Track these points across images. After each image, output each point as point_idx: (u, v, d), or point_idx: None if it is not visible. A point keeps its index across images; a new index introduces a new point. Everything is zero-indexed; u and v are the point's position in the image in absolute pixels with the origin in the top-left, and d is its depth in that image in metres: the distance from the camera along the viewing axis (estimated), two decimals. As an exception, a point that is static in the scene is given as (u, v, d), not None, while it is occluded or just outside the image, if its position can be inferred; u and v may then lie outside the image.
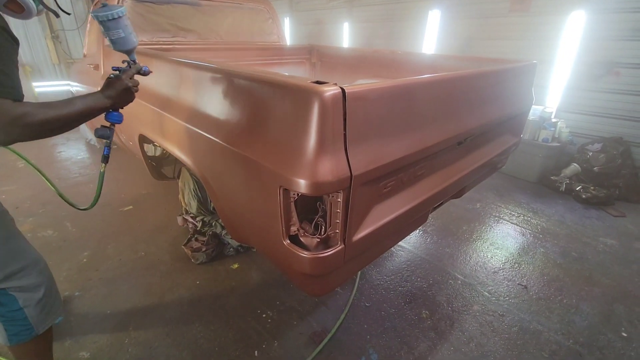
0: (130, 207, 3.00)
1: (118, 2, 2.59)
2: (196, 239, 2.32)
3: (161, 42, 2.89)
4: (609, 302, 2.05)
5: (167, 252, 2.40)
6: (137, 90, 1.25)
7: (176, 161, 2.60)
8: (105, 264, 2.26)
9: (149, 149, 2.53)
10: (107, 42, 1.28)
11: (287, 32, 7.24)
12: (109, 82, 1.17)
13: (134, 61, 1.33)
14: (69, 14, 1.40)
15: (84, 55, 3.54)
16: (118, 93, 1.16)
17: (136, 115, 2.06)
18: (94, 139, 4.48)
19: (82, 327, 1.77)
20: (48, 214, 2.84)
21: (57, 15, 1.24)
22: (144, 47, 2.63)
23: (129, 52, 1.30)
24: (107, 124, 1.26)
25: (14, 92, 0.90)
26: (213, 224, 2.36)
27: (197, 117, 1.42)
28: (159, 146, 2.46)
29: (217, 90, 1.32)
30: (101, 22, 1.18)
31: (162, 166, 2.66)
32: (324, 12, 6.57)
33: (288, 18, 7.31)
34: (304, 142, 0.96)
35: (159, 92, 1.77)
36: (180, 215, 2.54)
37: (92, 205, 1.47)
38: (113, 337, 1.72)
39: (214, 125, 1.31)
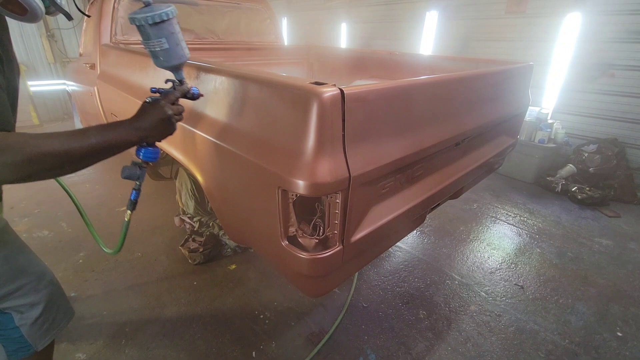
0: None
1: (114, 3, 2.56)
2: (193, 240, 2.31)
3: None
4: (604, 302, 2.07)
5: (164, 252, 2.39)
6: (181, 119, 0.97)
7: (173, 161, 2.59)
8: (101, 264, 2.24)
9: (146, 149, 2.52)
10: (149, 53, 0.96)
11: (285, 32, 7.23)
12: (144, 109, 0.90)
13: (181, 81, 1.01)
14: (88, 16, 1.32)
15: (80, 55, 3.51)
16: (154, 124, 0.89)
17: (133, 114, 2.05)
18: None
19: (79, 329, 1.76)
20: (43, 214, 2.82)
21: (70, 18, 1.02)
22: (140, 47, 2.62)
23: (174, 69, 0.99)
24: (138, 160, 0.98)
25: None
26: (210, 224, 2.35)
27: (195, 118, 1.41)
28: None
29: (215, 91, 1.32)
30: (140, 28, 0.89)
31: (159, 166, 2.64)
32: (322, 13, 6.57)
33: (286, 18, 7.31)
34: (303, 143, 0.96)
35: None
36: (177, 216, 2.53)
37: (117, 250, 1.33)
38: (109, 338, 1.71)
39: (212, 126, 1.31)
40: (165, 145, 1.72)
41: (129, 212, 1.18)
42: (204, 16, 3.21)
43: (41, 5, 0.86)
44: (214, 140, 1.27)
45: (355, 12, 6.00)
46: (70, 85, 3.88)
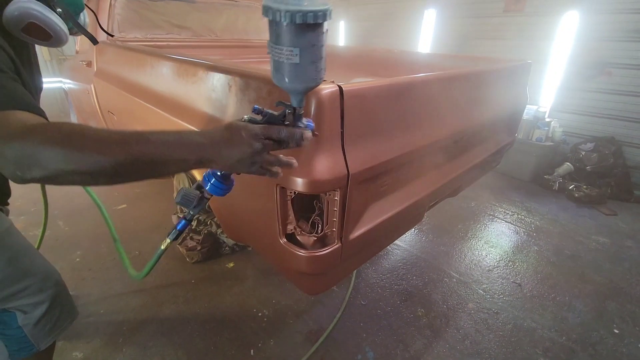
0: (124, 205, 2.97)
1: (110, 3, 2.53)
2: (191, 238, 2.30)
3: (155, 39, 2.86)
4: (601, 300, 2.08)
5: (162, 251, 2.37)
6: (275, 148, 0.68)
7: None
8: (98, 263, 2.23)
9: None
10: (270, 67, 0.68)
11: (283, 30, 7.20)
12: (231, 128, 0.64)
13: (296, 110, 0.70)
14: (112, 35, 1.25)
15: (77, 52, 3.49)
16: (233, 153, 0.63)
17: (130, 113, 2.04)
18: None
19: (75, 327, 1.74)
20: (40, 213, 2.79)
21: (95, 42, 0.99)
22: (138, 44, 2.60)
23: (295, 93, 0.68)
24: (202, 187, 0.82)
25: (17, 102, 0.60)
26: (208, 222, 2.34)
27: (194, 115, 1.40)
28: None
29: (213, 88, 1.31)
30: (274, 22, 0.59)
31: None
32: (320, 11, 6.55)
33: (283, 16, 7.28)
34: (301, 140, 0.95)
35: (153, 90, 1.75)
36: (175, 214, 2.52)
37: (143, 275, 1.23)
38: (107, 337, 1.70)
39: (209, 124, 1.30)
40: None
41: (168, 240, 0.98)
42: (202, 14, 3.20)
43: (65, 29, 0.82)
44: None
45: (353, 10, 5.99)
46: (67, 83, 3.86)
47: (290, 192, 1.04)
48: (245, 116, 0.70)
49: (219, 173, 0.79)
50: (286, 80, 0.65)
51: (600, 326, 1.88)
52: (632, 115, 3.52)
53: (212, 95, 1.32)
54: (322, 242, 1.12)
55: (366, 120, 1.07)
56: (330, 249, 1.09)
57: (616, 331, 1.86)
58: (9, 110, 0.57)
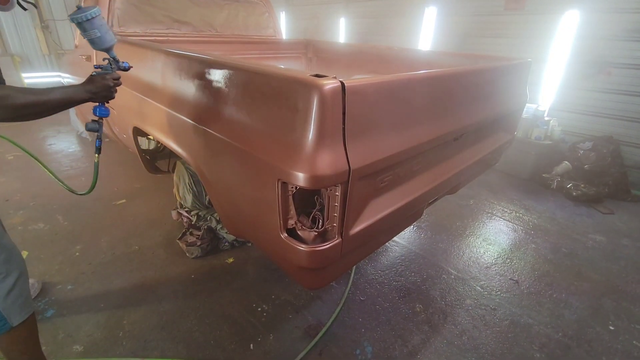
0: (124, 200, 2.97)
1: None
2: (191, 233, 2.31)
3: (155, 34, 2.85)
4: (597, 297, 2.10)
5: (162, 246, 2.38)
6: (119, 84, 1.32)
7: (171, 155, 2.58)
8: (98, 257, 2.24)
9: (143, 142, 2.50)
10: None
11: (283, 26, 7.18)
12: (92, 79, 1.24)
13: (114, 58, 1.36)
14: (36, 7, 1.48)
15: (75, 46, 3.47)
16: (98, 90, 1.23)
17: (131, 108, 2.03)
18: (85, 132, 4.41)
19: (75, 321, 1.76)
20: (39, 207, 2.80)
21: (25, 9, 1.24)
22: (138, 39, 2.59)
23: (108, 50, 1.34)
24: (95, 117, 1.35)
25: None
26: (208, 218, 2.35)
27: (195, 110, 1.40)
28: (154, 139, 2.44)
29: (215, 83, 1.31)
30: (78, 25, 1.23)
31: (156, 159, 2.63)
32: (321, 7, 6.53)
33: (284, 12, 7.26)
34: (303, 136, 0.96)
35: (154, 85, 1.75)
36: (174, 210, 2.52)
37: (90, 190, 1.53)
38: (107, 330, 1.71)
39: (212, 118, 1.30)
40: (164, 137, 1.71)
41: (96, 155, 1.49)
42: (202, 9, 3.19)
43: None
44: (213, 132, 1.27)
45: (354, 7, 5.97)
46: (66, 77, 3.83)
47: (292, 187, 1.05)
48: (93, 72, 1.28)
49: (99, 105, 1.33)
50: (100, 46, 1.30)
51: (596, 323, 1.90)
52: (630, 114, 3.53)
53: (214, 90, 1.32)
54: (323, 237, 1.12)
55: (367, 117, 1.07)
56: (330, 244, 1.10)
57: (612, 328, 1.88)
58: None
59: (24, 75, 5.44)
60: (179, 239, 2.30)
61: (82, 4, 1.29)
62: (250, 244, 2.41)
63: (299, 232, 1.13)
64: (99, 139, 1.44)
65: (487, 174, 3.79)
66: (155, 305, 1.88)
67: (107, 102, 1.34)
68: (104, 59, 1.36)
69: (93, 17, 1.22)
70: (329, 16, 6.38)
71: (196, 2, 3.14)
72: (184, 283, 2.05)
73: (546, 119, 3.83)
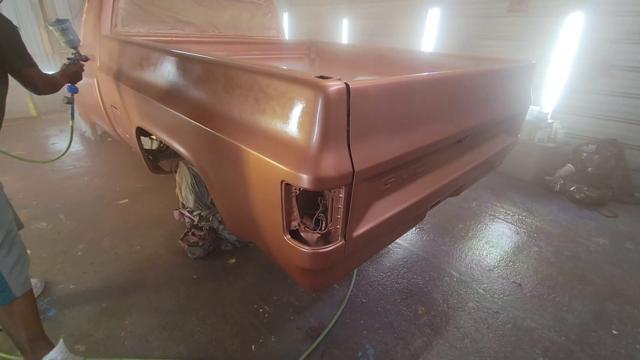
0: (126, 200, 2.97)
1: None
2: (193, 234, 2.31)
3: (159, 34, 2.85)
4: (600, 301, 2.09)
5: (164, 246, 2.38)
6: (82, 70, 1.91)
7: (173, 155, 2.58)
8: (100, 257, 2.24)
9: (146, 142, 2.51)
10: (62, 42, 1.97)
11: (286, 27, 7.19)
12: (68, 67, 1.81)
13: (79, 53, 1.98)
14: None
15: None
16: (73, 73, 1.82)
17: (134, 108, 2.04)
18: (88, 131, 4.42)
19: (77, 320, 1.76)
20: (42, 206, 2.81)
21: None
22: (142, 39, 2.60)
23: (75, 48, 1.99)
24: (69, 94, 2.03)
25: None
26: (210, 218, 2.34)
27: (199, 111, 1.40)
28: (157, 139, 2.45)
29: (220, 84, 1.31)
30: (56, 31, 1.92)
31: (159, 159, 2.63)
32: (324, 8, 6.54)
33: (287, 13, 7.26)
34: (307, 137, 0.96)
35: (158, 85, 1.75)
36: (176, 210, 2.52)
37: (60, 156, 2.30)
38: (109, 330, 1.71)
39: (216, 119, 1.30)
40: (167, 138, 1.71)
41: (71, 120, 2.23)
42: (206, 9, 3.19)
43: None
44: (217, 133, 1.27)
45: (357, 8, 5.97)
46: (69, 77, 3.84)
47: (295, 189, 1.04)
48: (66, 61, 1.86)
49: (71, 85, 1.93)
50: (72, 45, 1.98)
51: (599, 327, 1.89)
52: (634, 117, 3.52)
53: (219, 90, 1.32)
54: (326, 239, 1.12)
55: (372, 118, 1.07)
56: (333, 246, 1.09)
57: (615, 332, 1.87)
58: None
59: (27, 74, 5.46)
60: (180, 239, 2.30)
61: (57, 17, 1.98)
62: (252, 245, 2.41)
63: (302, 233, 1.12)
64: (73, 109, 2.17)
65: (490, 176, 3.78)
66: (157, 305, 1.88)
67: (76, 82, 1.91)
68: (72, 53, 1.97)
69: (67, 28, 1.92)
70: (332, 17, 6.38)
71: (200, 3, 3.14)
72: (186, 283, 2.05)
73: (549, 121, 3.81)
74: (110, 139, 4.40)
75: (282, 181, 1.02)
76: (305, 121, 0.96)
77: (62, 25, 1.88)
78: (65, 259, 2.20)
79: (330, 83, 0.91)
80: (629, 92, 3.49)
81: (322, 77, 0.96)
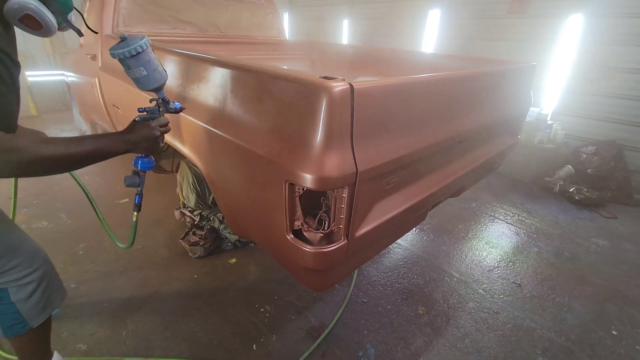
0: (127, 199, 2.97)
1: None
2: (194, 233, 2.31)
3: (160, 34, 2.86)
4: (600, 301, 2.10)
5: (164, 245, 2.39)
6: (167, 131, 1.13)
7: (175, 154, 2.59)
8: (101, 256, 2.24)
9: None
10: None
11: (287, 27, 7.20)
12: (133, 126, 1.05)
13: (164, 99, 1.17)
14: (96, 32, 1.35)
15: (80, 45, 3.48)
16: (141, 140, 1.04)
17: (137, 106, 2.04)
18: (88, 131, 4.42)
19: (79, 319, 1.76)
20: (42, 205, 2.81)
21: (81, 34, 1.11)
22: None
23: (156, 91, 1.15)
24: (136, 169, 1.18)
25: (4, 123, 0.83)
26: (211, 218, 2.35)
27: (204, 111, 1.41)
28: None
29: (223, 84, 1.32)
30: (120, 60, 1.05)
31: (159, 159, 2.64)
32: (324, 9, 6.55)
33: (287, 13, 7.27)
34: (311, 137, 0.97)
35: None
36: (177, 209, 2.53)
37: (130, 245, 1.56)
38: (110, 329, 1.71)
39: (219, 119, 1.31)
40: (170, 138, 1.72)
41: (135, 213, 1.37)
42: (207, 9, 3.20)
43: (55, 22, 0.96)
44: (221, 133, 1.28)
45: (357, 9, 5.98)
46: (70, 77, 3.85)
47: (299, 189, 1.05)
48: (137, 117, 1.10)
49: (142, 156, 1.15)
50: (146, 86, 1.11)
51: (598, 327, 1.90)
52: (634, 119, 3.53)
53: (222, 91, 1.32)
54: (329, 238, 1.13)
55: (375, 119, 1.08)
56: (336, 246, 1.10)
57: (614, 333, 1.87)
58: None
59: (27, 73, 5.45)
60: (181, 239, 2.31)
61: (127, 34, 1.05)
62: (253, 245, 2.41)
63: (305, 233, 1.13)
64: (139, 194, 1.28)
65: (490, 177, 3.79)
66: (158, 304, 1.89)
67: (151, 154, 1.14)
68: (151, 100, 1.17)
69: (139, 52, 1.02)
70: (333, 18, 6.39)
71: (201, 3, 3.15)
72: (187, 283, 2.05)
73: (549, 122, 3.83)
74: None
75: (286, 181, 1.03)
76: (310, 121, 0.97)
77: (129, 49, 1.01)
78: (67, 258, 2.21)
79: (334, 83, 0.92)
80: (628, 94, 3.51)
81: (326, 77, 0.96)
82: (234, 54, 3.09)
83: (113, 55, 1.03)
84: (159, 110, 1.15)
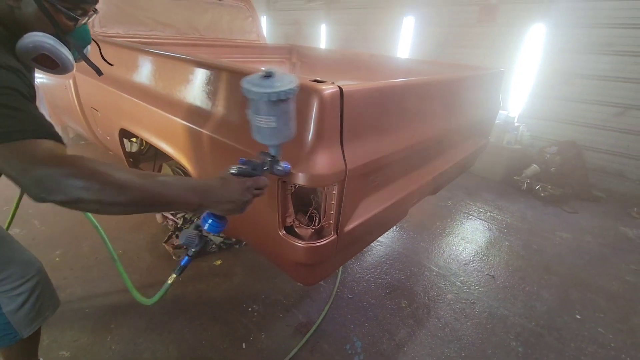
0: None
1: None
2: (177, 236, 2.29)
3: (138, 36, 2.82)
4: (565, 289, 2.27)
5: (147, 250, 2.35)
6: (260, 195, 0.87)
7: (156, 157, 2.56)
8: (80, 262, 2.18)
9: (126, 145, 2.46)
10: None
11: (264, 31, 7.21)
12: (226, 181, 0.81)
13: (275, 157, 0.89)
14: (112, 65, 1.23)
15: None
16: (224, 200, 0.79)
17: (118, 110, 2.01)
18: (61, 133, 4.24)
19: (60, 326, 1.71)
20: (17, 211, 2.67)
21: (100, 73, 1.04)
22: (122, 40, 2.56)
23: (275, 147, 0.88)
24: (201, 226, 0.93)
25: (49, 130, 0.67)
26: (194, 220, 2.34)
27: (194, 112, 1.43)
28: (137, 141, 2.42)
29: (215, 86, 1.34)
30: (252, 100, 0.78)
31: (140, 162, 2.60)
32: (302, 13, 6.63)
33: (265, 17, 7.29)
34: (303, 137, 1.02)
35: (146, 86, 1.75)
36: (159, 214, 2.50)
37: (154, 302, 1.22)
38: (94, 335, 1.68)
39: (210, 120, 1.33)
40: (156, 140, 1.72)
41: (173, 276, 1.08)
42: (186, 11, 3.18)
43: (72, 59, 0.88)
44: (212, 134, 1.30)
45: (334, 14, 6.11)
46: (39, 78, 3.69)
47: (291, 186, 1.10)
48: (233, 168, 0.86)
49: (215, 215, 0.89)
50: (266, 140, 0.84)
51: (564, 313, 2.06)
52: (591, 121, 3.84)
53: (214, 93, 1.35)
54: (319, 234, 1.18)
55: (362, 120, 1.15)
56: (327, 241, 1.16)
57: (578, 317, 2.04)
58: (40, 138, 0.65)
59: None
60: (165, 242, 2.29)
61: (270, 69, 0.78)
62: (238, 246, 2.42)
63: (296, 229, 1.18)
64: (190, 257, 1.00)
65: (463, 177, 3.97)
66: (143, 308, 1.86)
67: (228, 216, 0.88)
68: (259, 153, 0.90)
69: (284, 100, 0.77)
70: (310, 22, 6.48)
71: (180, 5, 3.13)
72: (172, 285, 2.03)
73: (516, 125, 4.08)
74: (83, 142, 4.25)
75: (279, 179, 1.07)
76: (302, 122, 1.02)
77: (276, 92, 0.75)
78: (43, 265, 2.12)
79: (325, 87, 0.98)
80: (586, 99, 3.81)
81: (317, 80, 1.02)
82: (215, 56, 3.09)
83: (247, 92, 0.76)
84: (262, 169, 0.89)
